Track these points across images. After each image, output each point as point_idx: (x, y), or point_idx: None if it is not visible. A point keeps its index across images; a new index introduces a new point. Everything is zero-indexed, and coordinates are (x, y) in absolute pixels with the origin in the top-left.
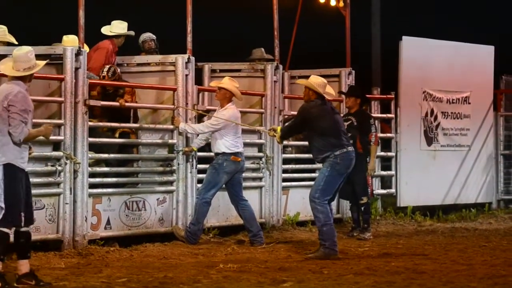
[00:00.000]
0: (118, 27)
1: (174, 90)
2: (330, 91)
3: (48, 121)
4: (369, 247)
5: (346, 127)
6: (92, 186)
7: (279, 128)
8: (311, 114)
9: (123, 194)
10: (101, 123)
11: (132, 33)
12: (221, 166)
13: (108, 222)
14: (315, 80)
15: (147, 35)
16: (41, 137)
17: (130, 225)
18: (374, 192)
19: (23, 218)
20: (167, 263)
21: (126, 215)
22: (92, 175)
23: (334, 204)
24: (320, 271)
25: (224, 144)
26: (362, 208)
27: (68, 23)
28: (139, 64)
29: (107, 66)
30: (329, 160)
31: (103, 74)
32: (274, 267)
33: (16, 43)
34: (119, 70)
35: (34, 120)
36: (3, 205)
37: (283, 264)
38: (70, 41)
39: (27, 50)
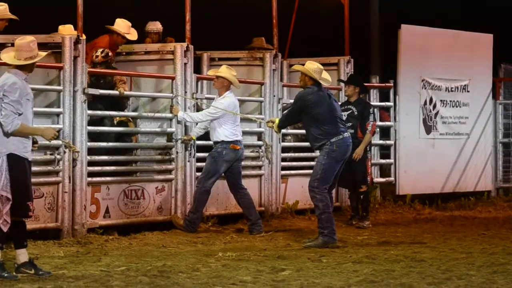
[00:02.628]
0: (119, 25)
1: (173, 78)
2: (326, 77)
3: (48, 109)
4: (368, 235)
5: (346, 117)
6: (91, 174)
7: (277, 120)
8: (307, 101)
9: (121, 182)
10: (99, 112)
11: (132, 37)
12: (220, 155)
13: (107, 211)
14: (311, 66)
15: (153, 27)
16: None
17: (129, 213)
18: (373, 180)
19: (32, 208)
20: (166, 252)
21: (125, 204)
22: (91, 163)
23: (333, 192)
24: (319, 260)
25: (223, 133)
26: (361, 196)
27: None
28: (138, 53)
29: (100, 49)
30: (325, 148)
31: (96, 54)
32: (273, 255)
33: (17, 19)
34: (110, 53)
35: (34, 109)
36: (9, 196)
37: (282, 252)
38: (67, 30)
39: (29, 40)
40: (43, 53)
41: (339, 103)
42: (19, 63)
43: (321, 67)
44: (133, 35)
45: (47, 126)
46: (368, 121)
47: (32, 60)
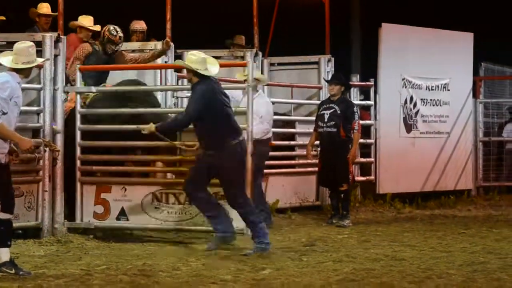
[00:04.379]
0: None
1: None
2: (211, 68)
3: (28, 108)
4: (348, 234)
5: (329, 115)
6: (92, 174)
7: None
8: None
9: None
10: (91, 109)
11: (95, 28)
12: None
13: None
14: (192, 57)
15: (138, 26)
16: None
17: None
18: (355, 179)
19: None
20: (146, 251)
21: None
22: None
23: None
24: (299, 258)
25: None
26: (342, 195)
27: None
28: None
29: (112, 26)
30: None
31: (112, 33)
32: (253, 254)
33: (4, 18)
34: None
35: None
36: None
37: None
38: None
39: (29, 45)
40: (40, 59)
41: (320, 101)
42: (17, 66)
43: (205, 56)
44: None
45: (27, 138)
46: (353, 120)
47: (29, 64)
